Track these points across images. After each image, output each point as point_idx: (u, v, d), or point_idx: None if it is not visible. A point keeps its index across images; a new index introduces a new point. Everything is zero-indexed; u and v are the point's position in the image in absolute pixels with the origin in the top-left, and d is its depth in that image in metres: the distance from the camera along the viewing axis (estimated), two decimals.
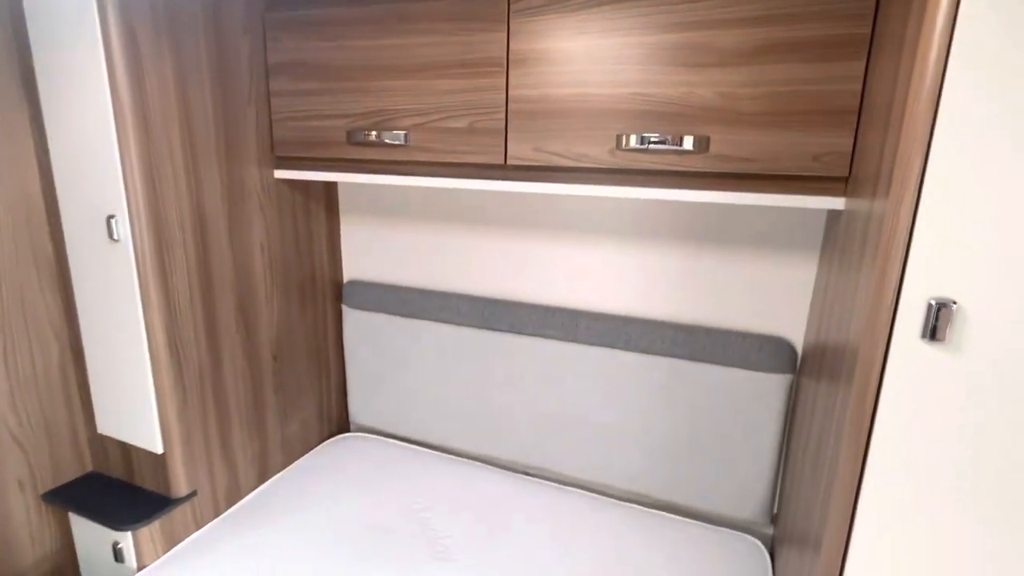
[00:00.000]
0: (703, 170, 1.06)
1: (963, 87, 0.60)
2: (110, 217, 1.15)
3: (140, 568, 1.27)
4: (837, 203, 1.00)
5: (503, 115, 1.17)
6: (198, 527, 1.37)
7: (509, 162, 1.19)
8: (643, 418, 1.43)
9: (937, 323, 0.65)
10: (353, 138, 1.31)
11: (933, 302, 0.65)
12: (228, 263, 1.35)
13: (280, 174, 1.44)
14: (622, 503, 1.49)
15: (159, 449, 1.27)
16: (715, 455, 1.38)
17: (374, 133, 1.29)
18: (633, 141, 1.08)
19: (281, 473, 1.59)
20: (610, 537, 1.36)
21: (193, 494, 1.33)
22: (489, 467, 1.63)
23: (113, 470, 1.38)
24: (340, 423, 1.84)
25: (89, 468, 1.40)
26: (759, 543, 1.37)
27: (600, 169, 1.14)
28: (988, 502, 0.68)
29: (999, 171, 0.61)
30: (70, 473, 1.37)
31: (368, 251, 1.73)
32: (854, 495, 0.75)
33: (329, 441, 1.76)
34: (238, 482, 1.46)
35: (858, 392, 0.71)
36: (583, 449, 1.52)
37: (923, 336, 0.66)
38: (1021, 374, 0.64)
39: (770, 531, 1.41)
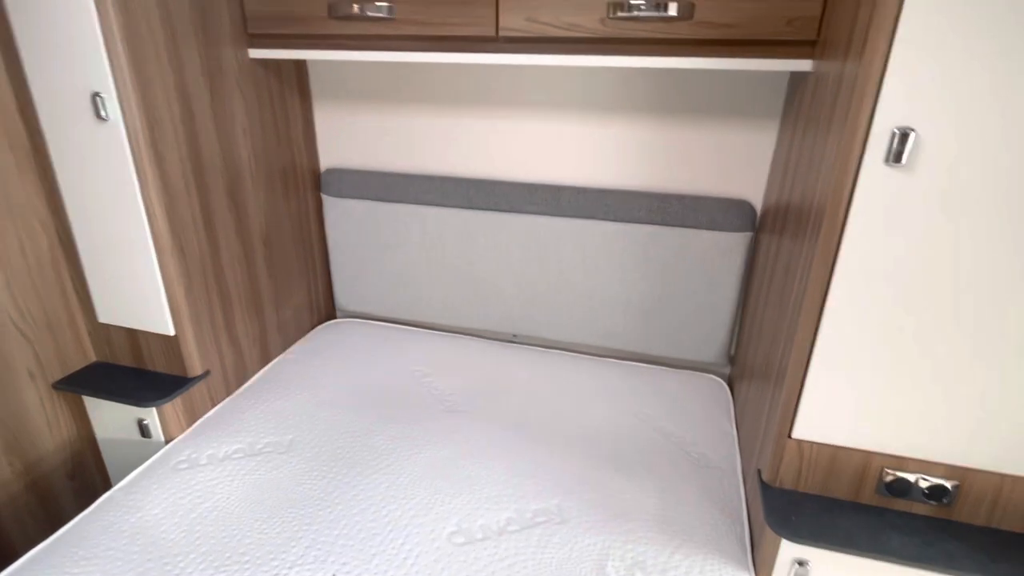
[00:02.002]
0: (688, 36, 1.14)
1: None
2: (95, 95, 1.11)
3: (168, 440, 1.35)
4: (806, 64, 1.11)
5: None
6: (214, 404, 1.45)
7: (501, 33, 1.22)
8: (620, 281, 1.59)
9: (899, 148, 0.79)
10: (335, 11, 1.29)
11: (896, 130, 0.79)
12: (215, 147, 1.33)
13: (255, 53, 1.40)
14: (602, 358, 1.68)
15: (171, 331, 1.31)
16: (683, 308, 1.57)
17: (356, 6, 1.27)
18: (619, 10, 1.14)
19: (282, 354, 1.67)
20: (592, 382, 1.55)
21: (207, 373, 1.40)
22: (478, 337, 1.78)
23: (119, 358, 1.41)
24: (327, 310, 1.91)
25: (93, 358, 1.43)
26: (720, 380, 1.60)
27: (591, 39, 1.19)
28: (932, 310, 0.87)
29: (952, 32, 0.73)
30: (75, 364, 1.39)
31: (343, 137, 1.73)
32: (816, 323, 0.92)
33: (320, 327, 1.83)
34: (244, 362, 1.53)
35: (829, 221, 0.86)
36: (565, 314, 1.67)
37: (886, 160, 0.81)
38: (962, 189, 0.80)
39: (727, 370, 1.64)
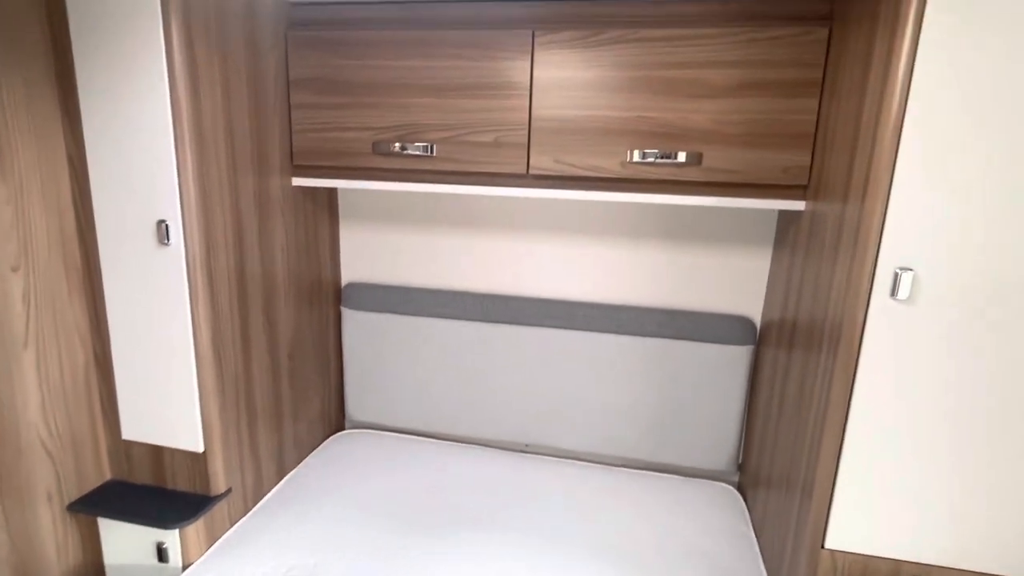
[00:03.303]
0: (697, 180, 1.31)
1: (917, 125, 0.89)
2: (161, 222, 1.19)
3: (186, 566, 1.29)
4: (799, 205, 1.29)
5: (526, 132, 1.36)
6: (232, 524, 1.41)
7: (531, 172, 1.38)
8: (630, 392, 1.67)
9: (899, 285, 0.93)
10: (378, 148, 1.43)
11: (898, 270, 0.93)
12: (258, 266, 1.41)
13: (299, 182, 1.52)
14: (614, 468, 1.72)
15: (200, 448, 1.31)
16: (691, 418, 1.65)
17: (398, 144, 1.42)
18: (637, 156, 1.31)
19: (296, 468, 1.65)
20: (608, 495, 1.57)
21: (229, 491, 1.38)
22: (491, 448, 1.80)
23: (137, 476, 1.38)
24: (338, 422, 1.91)
25: (108, 476, 1.39)
26: (731, 487, 1.65)
27: (611, 178, 1.36)
28: (947, 425, 0.97)
29: (940, 181, 0.90)
30: (91, 482, 1.35)
31: (365, 253, 1.83)
32: (840, 436, 1.02)
33: (331, 438, 1.83)
34: (261, 478, 1.51)
35: (846, 344, 0.98)
36: (578, 424, 1.73)
37: (891, 295, 0.94)
38: (952, 317, 0.93)
39: (736, 477, 1.70)
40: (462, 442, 1.84)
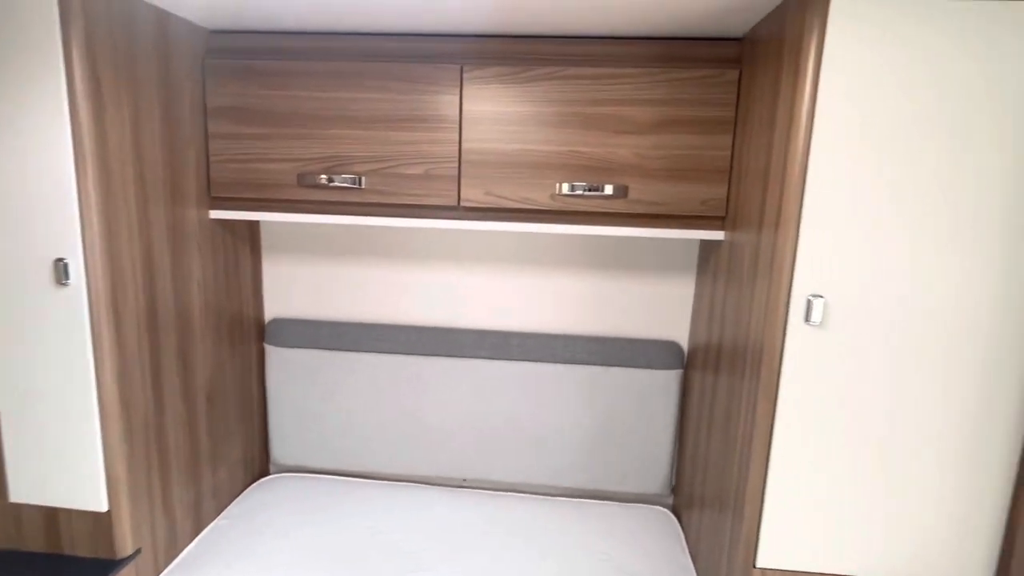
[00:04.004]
0: (624, 211, 1.35)
1: (822, 160, 0.96)
2: (59, 260, 1.09)
3: None
4: (718, 235, 1.36)
5: (457, 164, 1.36)
6: None
7: (462, 204, 1.38)
8: (566, 420, 1.68)
9: (812, 311, 0.99)
10: (304, 180, 1.39)
11: (810, 297, 0.99)
12: (171, 304, 1.32)
13: (217, 214, 1.44)
14: (552, 497, 1.71)
15: (103, 507, 1.19)
16: (626, 443, 1.67)
17: (324, 176, 1.38)
18: (567, 188, 1.34)
19: (216, 521, 1.53)
20: (546, 525, 1.56)
21: (137, 552, 1.25)
22: (428, 485, 1.74)
23: (28, 543, 1.23)
24: (262, 466, 1.80)
25: None
26: (665, 510, 1.68)
27: (541, 210, 1.38)
28: (862, 442, 1.04)
29: (845, 213, 0.97)
30: None
31: (290, 288, 1.76)
32: (766, 456, 1.06)
33: (254, 485, 1.71)
34: (175, 535, 1.39)
35: (767, 367, 1.03)
36: (515, 455, 1.71)
37: (805, 320, 1.00)
38: (859, 339, 1.00)
39: (670, 500, 1.73)
40: (398, 481, 1.77)
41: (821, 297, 0.99)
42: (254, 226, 1.69)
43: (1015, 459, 1.03)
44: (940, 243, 0.97)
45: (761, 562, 1.09)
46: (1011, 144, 0.93)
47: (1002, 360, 0.99)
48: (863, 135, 0.95)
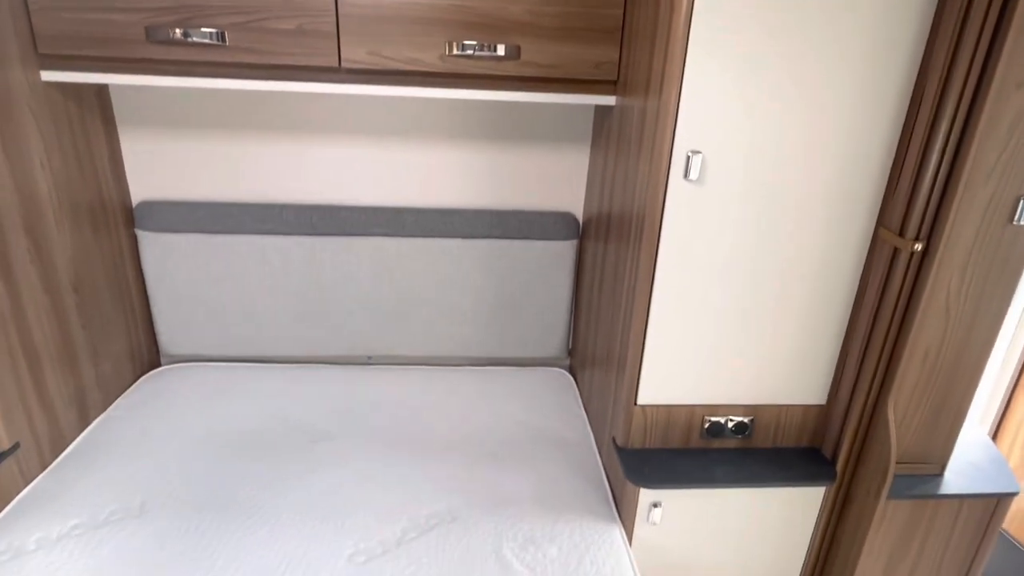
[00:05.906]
0: (516, 74, 1.31)
1: (703, 11, 0.96)
2: None
3: None
4: (610, 100, 1.36)
5: (334, 18, 1.23)
6: (28, 482, 1.23)
7: (343, 65, 1.27)
8: (466, 293, 1.71)
9: (691, 167, 1.04)
10: (154, 35, 1.21)
11: (689, 153, 1.03)
12: (9, 183, 1.15)
13: (51, 76, 1.24)
14: (457, 367, 1.78)
15: None
16: (525, 312, 1.75)
17: (178, 30, 1.21)
18: (456, 48, 1.27)
19: (106, 412, 1.47)
20: (450, 390, 1.64)
21: (16, 447, 1.19)
22: (332, 364, 1.75)
23: None
24: (151, 359, 1.71)
25: None
26: (563, 370, 1.81)
27: (430, 72, 1.30)
28: (729, 287, 1.14)
29: (727, 63, 0.99)
30: None
31: (158, 167, 1.59)
32: (646, 311, 1.14)
33: (145, 376, 1.64)
34: (60, 428, 1.32)
35: (649, 226, 1.09)
36: (417, 329, 1.74)
37: (684, 176, 1.05)
38: (732, 194, 1.07)
39: (567, 362, 1.86)
40: (302, 363, 1.77)
41: (699, 153, 1.03)
42: (103, 92, 1.47)
43: (849, 301, 1.18)
44: (799, 104, 1.02)
45: (641, 400, 1.22)
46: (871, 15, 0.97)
47: (843, 216, 1.11)
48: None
